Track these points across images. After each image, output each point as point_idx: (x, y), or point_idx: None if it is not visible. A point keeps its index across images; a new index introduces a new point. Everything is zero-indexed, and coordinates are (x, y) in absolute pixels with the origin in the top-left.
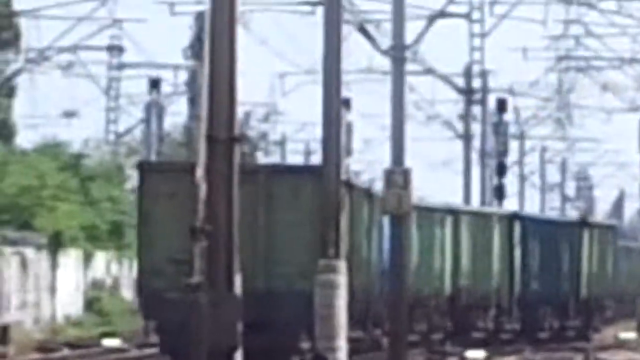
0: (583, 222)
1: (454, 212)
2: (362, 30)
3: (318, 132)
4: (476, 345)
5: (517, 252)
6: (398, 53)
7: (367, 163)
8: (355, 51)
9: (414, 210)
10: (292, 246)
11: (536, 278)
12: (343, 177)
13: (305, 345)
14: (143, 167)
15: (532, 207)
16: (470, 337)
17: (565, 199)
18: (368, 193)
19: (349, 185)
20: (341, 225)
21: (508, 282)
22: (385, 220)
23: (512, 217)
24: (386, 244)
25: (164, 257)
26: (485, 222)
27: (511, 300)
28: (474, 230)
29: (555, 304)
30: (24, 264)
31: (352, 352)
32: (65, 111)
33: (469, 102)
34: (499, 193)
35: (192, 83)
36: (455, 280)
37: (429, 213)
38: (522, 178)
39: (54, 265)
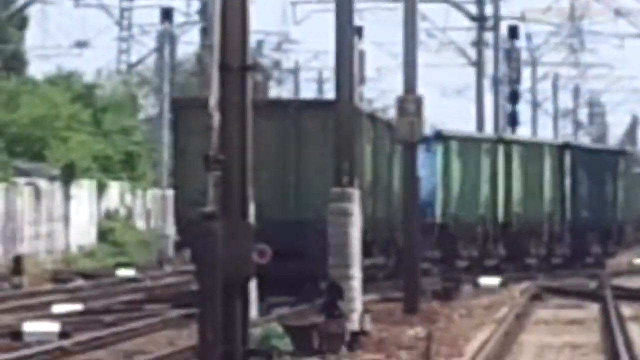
0: (621, 151)
1: (505, 142)
2: None
3: (331, 60)
4: (527, 270)
5: (568, 181)
6: None
7: (379, 91)
8: None
9: (462, 141)
10: (321, 178)
11: (585, 206)
12: (363, 107)
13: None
14: (177, 103)
15: (544, 134)
16: (523, 262)
17: (578, 125)
18: (389, 124)
19: (372, 117)
20: (360, 155)
21: (560, 210)
22: (421, 150)
23: (563, 147)
24: (422, 173)
25: (198, 189)
26: (536, 151)
27: (563, 227)
28: (525, 159)
29: (601, 230)
30: (37, 195)
31: (373, 278)
32: (77, 41)
33: (481, 29)
34: (512, 120)
35: (205, 12)
36: (508, 208)
37: (477, 143)
38: (535, 105)
39: (67, 196)
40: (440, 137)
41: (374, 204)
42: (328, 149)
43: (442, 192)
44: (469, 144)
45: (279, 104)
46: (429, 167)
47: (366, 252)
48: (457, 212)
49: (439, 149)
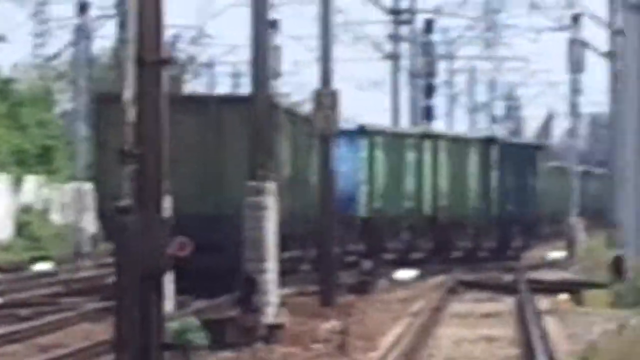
0: (539, 146)
1: (431, 137)
2: None
3: (246, 54)
4: (452, 264)
5: (494, 175)
6: None
7: (296, 85)
8: None
9: (388, 136)
10: (240, 172)
11: (510, 200)
12: (281, 102)
13: None
14: (100, 98)
15: (460, 127)
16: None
17: (493, 118)
18: (307, 119)
19: (290, 112)
20: (279, 149)
21: (485, 204)
22: (342, 144)
23: (488, 141)
24: (342, 167)
25: (119, 183)
26: (462, 146)
27: (489, 221)
28: (451, 154)
29: (524, 224)
30: None
31: (292, 272)
32: None
33: (397, 23)
34: (428, 113)
35: (121, 6)
36: (435, 202)
37: (403, 138)
38: (451, 98)
39: None
40: (364, 131)
41: (292, 197)
42: (247, 143)
43: (366, 186)
44: (394, 139)
45: (199, 99)
46: (351, 161)
47: (285, 245)
48: (382, 206)
49: (363, 143)
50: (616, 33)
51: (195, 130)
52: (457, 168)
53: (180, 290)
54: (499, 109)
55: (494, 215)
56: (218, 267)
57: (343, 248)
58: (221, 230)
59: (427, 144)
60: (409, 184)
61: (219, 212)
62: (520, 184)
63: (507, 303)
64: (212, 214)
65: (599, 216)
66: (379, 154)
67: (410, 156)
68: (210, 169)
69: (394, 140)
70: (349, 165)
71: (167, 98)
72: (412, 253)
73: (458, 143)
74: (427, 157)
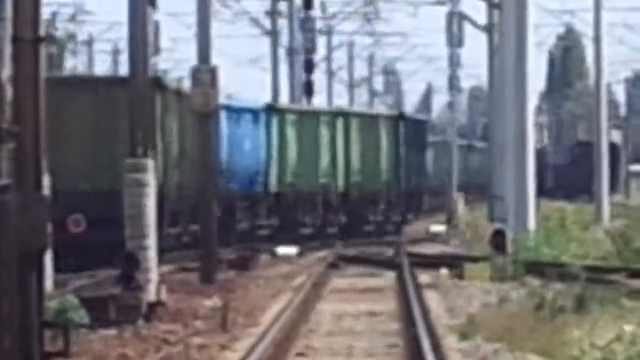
0: (424, 121)
1: (344, 114)
2: None
3: (125, 32)
4: (367, 237)
5: (402, 151)
6: None
7: (174, 61)
8: None
9: (299, 113)
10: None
11: (413, 174)
12: (169, 82)
13: None
14: None
15: (340, 103)
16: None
17: (373, 93)
18: (179, 93)
19: (178, 92)
20: (169, 128)
21: (395, 178)
22: (223, 120)
23: (397, 118)
24: (224, 144)
25: None
26: (373, 122)
27: (399, 195)
28: (362, 131)
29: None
30: None
31: (170, 248)
32: None
33: None
34: (308, 89)
35: None
36: (347, 177)
37: (316, 115)
38: (330, 74)
39: None
40: (273, 109)
41: (180, 175)
42: (152, 122)
43: (277, 163)
44: (306, 116)
45: (91, 79)
46: (256, 138)
47: (174, 221)
48: (294, 182)
49: (273, 121)
50: (494, 6)
51: (90, 110)
52: (368, 144)
53: (72, 267)
54: (379, 84)
55: (402, 190)
56: (115, 241)
57: (252, 222)
58: (117, 206)
59: (340, 122)
60: (323, 160)
61: (111, 188)
62: (419, 158)
63: (388, 278)
64: (105, 190)
65: (481, 190)
66: (290, 131)
67: (324, 133)
68: (103, 147)
69: (306, 118)
70: (256, 142)
71: (54, 79)
72: (327, 228)
73: (368, 120)
74: (340, 134)
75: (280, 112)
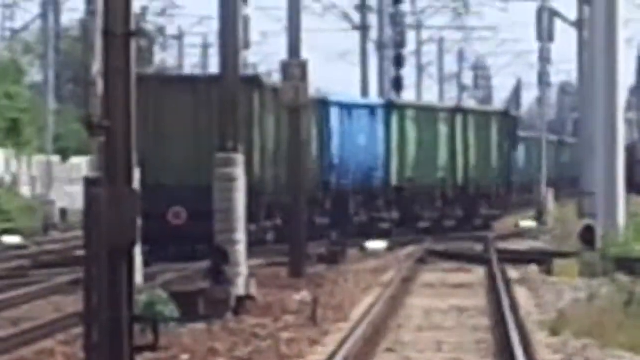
0: (505, 113)
1: (463, 111)
2: None
3: (215, 26)
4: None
5: (460, 145)
6: None
7: (264, 55)
8: None
9: (424, 110)
10: None
11: (475, 169)
12: (268, 81)
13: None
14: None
15: (430, 98)
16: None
17: (462, 88)
18: (276, 90)
19: (275, 90)
20: (266, 126)
21: (507, 174)
22: (334, 115)
23: (505, 114)
24: (335, 140)
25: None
26: (487, 119)
27: (508, 189)
28: (479, 127)
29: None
30: None
31: (259, 242)
32: None
33: None
34: (397, 84)
35: None
36: (466, 172)
37: (435, 112)
38: (420, 69)
39: None
40: (393, 105)
41: (277, 169)
42: (250, 119)
43: (397, 157)
44: (425, 112)
45: (193, 78)
46: (374, 133)
47: (270, 214)
48: (414, 176)
49: (393, 117)
50: (584, 1)
51: (190, 107)
52: (483, 141)
53: (171, 257)
54: (468, 79)
55: (514, 184)
56: (212, 234)
57: (369, 215)
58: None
59: (459, 118)
60: (441, 155)
61: (210, 183)
62: (510, 154)
63: (477, 273)
64: (205, 184)
65: (573, 185)
66: (410, 127)
67: (442, 129)
68: (203, 143)
69: (424, 114)
70: (370, 137)
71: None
72: (445, 221)
73: (483, 116)
74: (458, 131)
75: (400, 108)
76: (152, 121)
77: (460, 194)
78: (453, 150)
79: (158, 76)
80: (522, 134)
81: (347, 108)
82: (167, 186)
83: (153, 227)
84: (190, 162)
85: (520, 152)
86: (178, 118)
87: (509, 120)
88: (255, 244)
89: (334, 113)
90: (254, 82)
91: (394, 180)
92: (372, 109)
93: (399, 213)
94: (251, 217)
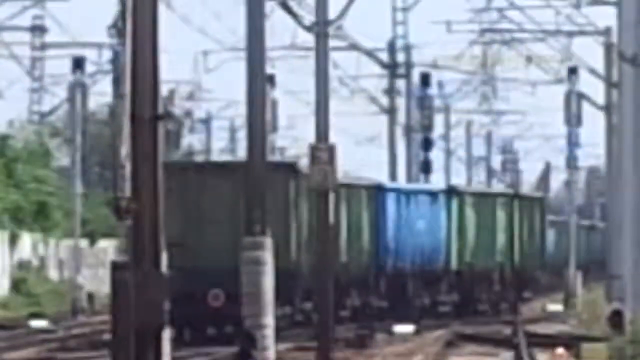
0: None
1: (519, 197)
2: (285, 6)
3: (243, 109)
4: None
5: (517, 229)
6: (321, 28)
7: (292, 139)
8: (279, 27)
9: (476, 196)
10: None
11: (523, 253)
12: (303, 168)
13: None
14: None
15: (458, 181)
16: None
17: (491, 172)
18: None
19: (294, 170)
20: (299, 211)
21: (509, 257)
22: (391, 201)
23: (513, 197)
24: (390, 224)
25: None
26: (533, 205)
27: (512, 273)
28: (525, 213)
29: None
30: None
31: (295, 324)
32: None
33: (393, 77)
34: (426, 167)
35: (116, 61)
36: (522, 256)
37: (493, 198)
38: (448, 152)
39: None
40: (453, 191)
41: (312, 253)
42: (286, 204)
43: (457, 242)
44: (484, 198)
45: (229, 164)
46: (435, 219)
47: (308, 297)
48: (473, 260)
49: (453, 202)
50: (612, 86)
51: (226, 192)
52: (529, 226)
53: (211, 338)
54: (497, 162)
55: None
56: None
57: (433, 299)
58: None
59: (516, 204)
60: (499, 240)
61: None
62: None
63: (505, 357)
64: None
65: (603, 269)
66: (469, 212)
67: (500, 215)
68: (240, 226)
69: (484, 200)
70: (431, 222)
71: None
72: (502, 303)
73: (530, 202)
74: (516, 216)
75: (460, 194)
76: (193, 206)
77: (517, 277)
78: (511, 234)
79: (197, 163)
80: (553, 218)
81: (405, 194)
82: (206, 269)
83: (194, 309)
84: (228, 245)
85: (551, 235)
86: (216, 202)
87: (542, 204)
88: (291, 327)
89: (389, 198)
90: (290, 168)
91: (454, 263)
92: (433, 195)
93: (459, 296)
94: (287, 301)
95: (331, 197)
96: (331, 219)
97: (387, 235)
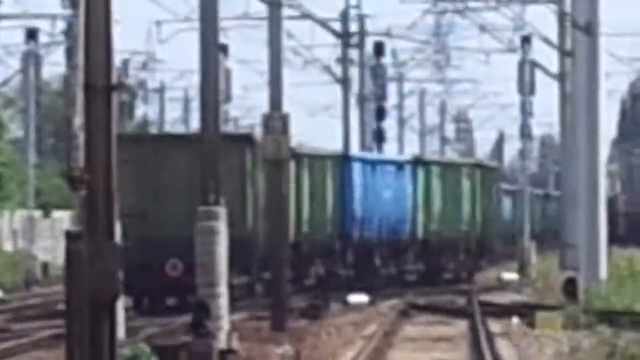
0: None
1: (481, 167)
2: None
3: (196, 79)
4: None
5: (479, 199)
6: None
7: (246, 109)
8: None
9: (442, 165)
10: (235, 199)
11: (492, 221)
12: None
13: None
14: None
15: (411, 150)
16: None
17: (444, 141)
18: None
19: (250, 141)
20: (255, 182)
21: (472, 226)
22: (357, 170)
23: (474, 167)
24: (357, 193)
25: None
26: (493, 174)
27: (476, 242)
28: (488, 181)
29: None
30: None
31: (240, 297)
32: None
33: (346, 46)
34: (379, 137)
35: (70, 32)
36: (485, 225)
37: (458, 167)
38: (401, 121)
39: None
40: (420, 161)
41: (269, 223)
42: (243, 174)
43: (423, 211)
44: (449, 168)
45: (186, 135)
46: (401, 189)
47: (266, 266)
48: (439, 229)
49: (420, 172)
50: (566, 54)
51: (183, 163)
52: (489, 195)
53: (170, 308)
54: (450, 131)
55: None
56: None
57: (399, 268)
58: None
59: (477, 174)
60: (465, 209)
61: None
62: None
63: (459, 326)
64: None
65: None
66: (435, 182)
67: (465, 184)
68: (192, 198)
69: (448, 170)
70: (396, 191)
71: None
72: (464, 272)
73: (489, 172)
74: (478, 186)
75: (426, 164)
76: (151, 178)
77: (481, 246)
78: (474, 204)
79: (155, 134)
80: (508, 187)
81: (370, 163)
82: (163, 239)
83: (153, 279)
84: (185, 215)
85: (507, 204)
86: (173, 174)
87: (496, 173)
88: (247, 297)
89: (356, 168)
90: (247, 139)
91: (420, 233)
92: (399, 165)
93: (425, 265)
94: (245, 270)
95: (292, 166)
96: (285, 188)
97: (353, 205)
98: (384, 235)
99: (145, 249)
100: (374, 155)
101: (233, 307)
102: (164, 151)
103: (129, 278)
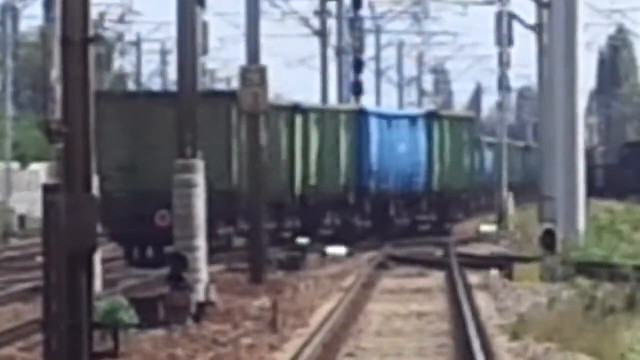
0: (434, 114)
1: (438, 117)
2: None
3: (174, 32)
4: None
5: (475, 151)
6: None
7: (223, 62)
8: None
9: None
10: (219, 154)
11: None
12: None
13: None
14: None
15: (389, 102)
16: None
17: (422, 93)
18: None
19: (235, 98)
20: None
21: (471, 179)
22: (374, 125)
23: (470, 120)
24: (373, 148)
25: (112, 166)
26: (459, 125)
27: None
28: (452, 133)
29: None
30: None
31: (220, 249)
32: None
33: None
34: (357, 89)
35: None
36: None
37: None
38: (379, 73)
39: None
40: (434, 115)
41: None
42: (229, 130)
43: (437, 164)
44: (457, 122)
45: (172, 92)
46: (415, 142)
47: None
48: (449, 182)
49: (435, 125)
50: (543, 6)
51: (172, 119)
52: (478, 147)
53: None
54: (428, 83)
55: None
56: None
57: (413, 219)
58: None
59: (472, 127)
60: (466, 161)
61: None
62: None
63: (438, 278)
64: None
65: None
66: (447, 136)
67: (465, 138)
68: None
69: (457, 124)
70: (415, 146)
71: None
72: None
73: (472, 124)
74: (470, 138)
75: (440, 118)
76: (142, 133)
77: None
78: (472, 156)
79: (144, 92)
80: (490, 139)
81: (386, 118)
82: (154, 191)
83: (143, 229)
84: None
85: (489, 157)
86: (160, 128)
87: (471, 124)
88: (231, 249)
89: (373, 123)
90: (232, 96)
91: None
92: (412, 119)
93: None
94: (229, 222)
95: (298, 121)
96: (263, 140)
97: (370, 159)
98: (399, 187)
99: (135, 201)
100: (389, 110)
101: (212, 259)
102: (154, 108)
103: (120, 229)
